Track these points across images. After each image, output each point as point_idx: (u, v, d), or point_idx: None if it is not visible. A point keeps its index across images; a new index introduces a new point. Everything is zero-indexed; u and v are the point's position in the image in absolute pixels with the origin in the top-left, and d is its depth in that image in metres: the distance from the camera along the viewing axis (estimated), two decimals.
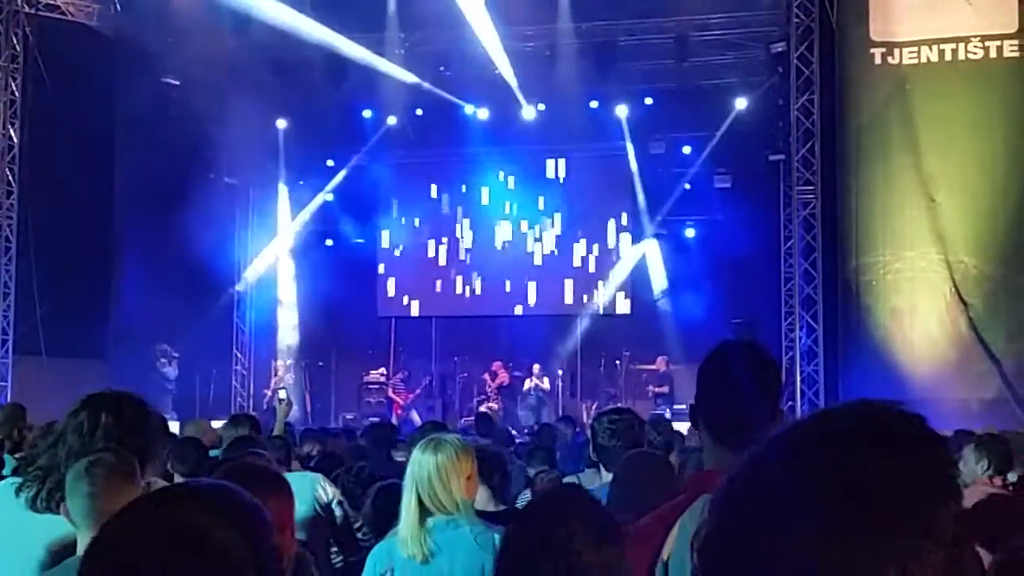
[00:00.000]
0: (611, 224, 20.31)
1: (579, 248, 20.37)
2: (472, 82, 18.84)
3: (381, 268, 20.96)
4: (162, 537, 1.28)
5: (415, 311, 20.74)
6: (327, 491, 5.52)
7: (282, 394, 14.75)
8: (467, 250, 20.71)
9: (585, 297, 20.11)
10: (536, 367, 18.49)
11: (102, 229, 16.89)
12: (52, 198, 15.36)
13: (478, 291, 20.44)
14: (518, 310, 20.19)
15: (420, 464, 3.68)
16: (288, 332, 20.09)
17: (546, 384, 18.43)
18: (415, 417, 17.74)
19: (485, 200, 20.66)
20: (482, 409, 17.64)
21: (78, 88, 15.76)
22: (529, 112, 19.23)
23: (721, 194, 18.55)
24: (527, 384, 18.46)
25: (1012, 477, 5.58)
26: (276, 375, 19.37)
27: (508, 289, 20.34)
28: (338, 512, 5.52)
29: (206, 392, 18.10)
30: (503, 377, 18.69)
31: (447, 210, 20.82)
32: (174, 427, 10.38)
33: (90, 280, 16.04)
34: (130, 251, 16.88)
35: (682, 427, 9.80)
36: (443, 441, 3.80)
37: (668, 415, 15.30)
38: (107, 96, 16.75)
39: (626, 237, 20.17)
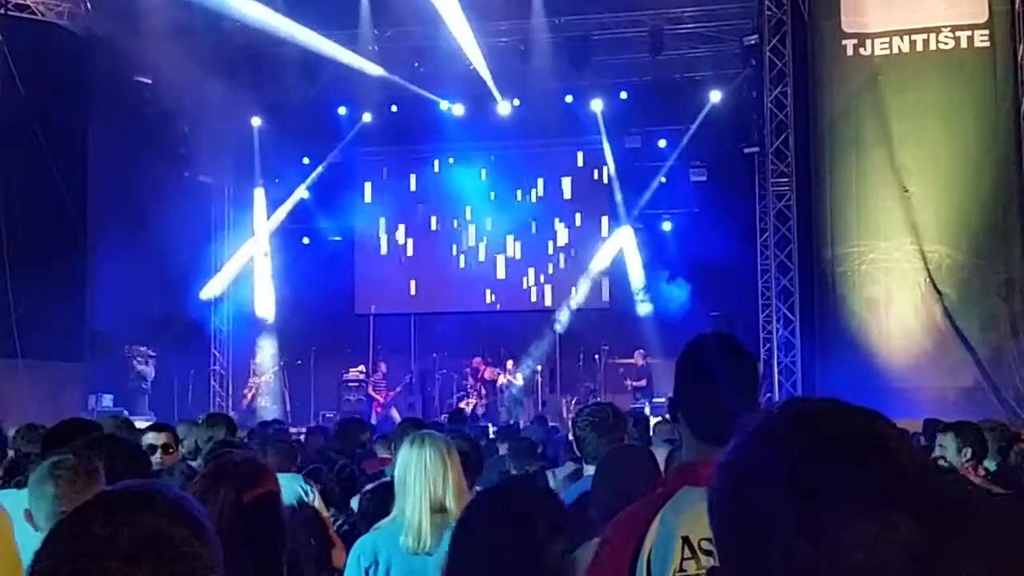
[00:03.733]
0: (588, 218, 20.34)
1: (556, 243, 20.40)
2: (447, 78, 18.81)
3: (358, 265, 20.91)
4: (124, 543, 1.28)
5: (393, 308, 20.70)
6: (307, 490, 5.51)
7: None
8: (443, 246, 20.69)
9: (563, 292, 20.12)
10: (509, 363, 18.45)
11: (76, 229, 16.76)
12: (25, 199, 15.23)
13: (456, 287, 20.41)
14: (496, 306, 20.19)
15: (427, 459, 3.71)
16: (266, 331, 20.00)
17: (519, 380, 18.37)
18: (395, 414, 17.72)
19: (461, 195, 20.64)
20: (463, 405, 17.66)
21: (50, 88, 15.63)
22: (504, 107, 19.23)
23: (697, 187, 18.62)
24: (500, 380, 18.41)
25: (990, 465, 5.65)
26: (253, 374, 19.30)
27: (486, 285, 20.34)
28: (317, 511, 5.51)
29: (184, 392, 18.01)
30: (490, 372, 18.61)
31: (423, 206, 20.79)
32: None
33: (65, 282, 15.91)
34: (105, 252, 16.75)
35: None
36: (436, 437, 3.84)
37: (647, 409, 15.40)
38: (79, 95, 16.62)
39: (603, 231, 20.21)
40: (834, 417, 1.10)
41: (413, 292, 20.67)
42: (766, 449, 1.09)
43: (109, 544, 1.28)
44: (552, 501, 2.38)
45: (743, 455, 1.11)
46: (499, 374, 18.41)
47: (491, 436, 10.09)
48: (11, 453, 6.10)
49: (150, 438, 5.50)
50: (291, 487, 5.35)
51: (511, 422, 14.88)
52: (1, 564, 2.59)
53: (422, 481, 3.68)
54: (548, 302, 20.11)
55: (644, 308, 18.86)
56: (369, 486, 4.87)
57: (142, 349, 17.00)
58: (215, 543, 1.36)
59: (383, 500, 4.35)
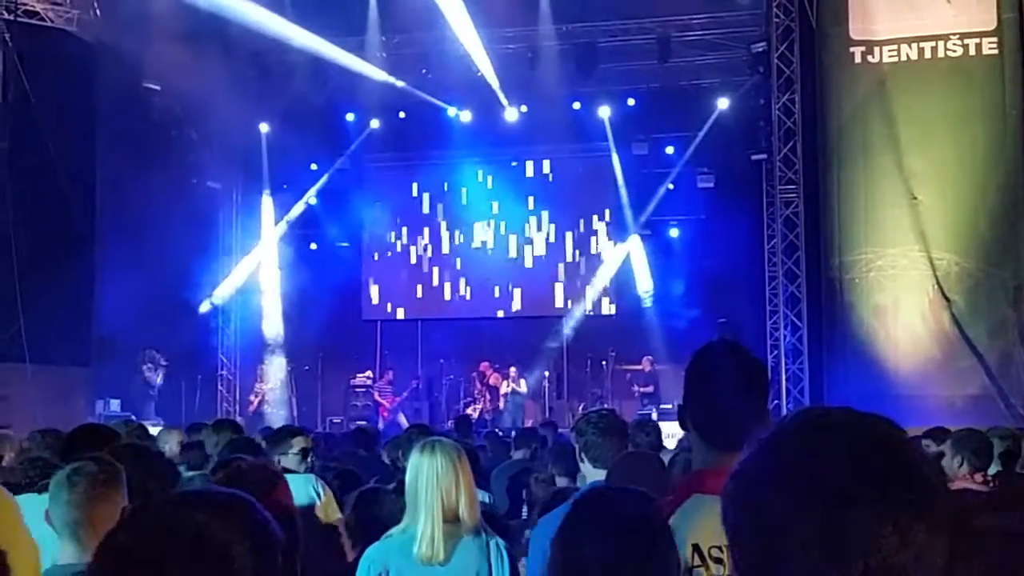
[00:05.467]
0: (595, 225, 20.35)
1: (563, 250, 20.39)
2: (454, 84, 18.84)
3: (366, 271, 20.93)
4: (176, 541, 1.29)
5: (400, 314, 20.72)
6: (324, 493, 5.50)
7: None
8: (451, 252, 20.71)
9: (570, 298, 20.12)
10: (512, 370, 18.35)
11: (84, 234, 16.80)
12: (33, 204, 15.27)
13: (463, 293, 20.44)
14: (503, 312, 20.19)
15: (439, 467, 3.66)
16: (273, 336, 20.02)
17: (523, 387, 18.28)
18: (402, 420, 17.72)
19: (469, 202, 20.66)
20: (470, 411, 17.65)
21: (59, 94, 15.68)
22: (512, 114, 19.25)
23: (704, 194, 18.60)
24: (504, 387, 18.35)
25: (992, 472, 5.59)
26: (260, 380, 19.31)
27: (493, 291, 20.34)
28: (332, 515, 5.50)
29: (191, 397, 18.03)
30: (495, 378, 18.57)
31: (430, 212, 20.81)
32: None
33: (73, 286, 15.96)
34: (113, 256, 16.80)
35: (667, 427, 9.79)
36: (446, 444, 3.80)
37: (655, 415, 15.37)
38: (88, 101, 16.67)
39: (610, 238, 20.21)
40: (850, 425, 1.11)
41: (420, 298, 20.68)
42: (782, 459, 1.09)
43: (139, 549, 1.29)
44: (658, 513, 2.25)
45: (759, 465, 1.11)
46: (503, 380, 18.38)
47: (502, 438, 10.10)
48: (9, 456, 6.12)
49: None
50: (304, 488, 5.35)
51: (514, 428, 14.83)
52: (17, 550, 2.61)
53: (434, 490, 3.62)
54: (555, 308, 20.10)
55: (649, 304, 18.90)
56: (357, 491, 4.84)
57: (154, 355, 17.00)
58: (267, 553, 1.35)
59: (373, 506, 4.33)
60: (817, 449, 1.08)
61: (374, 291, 20.89)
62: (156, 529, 1.31)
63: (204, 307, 18.99)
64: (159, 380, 17.13)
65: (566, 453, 6.68)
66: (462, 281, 20.50)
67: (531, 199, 20.41)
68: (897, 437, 1.11)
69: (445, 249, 20.76)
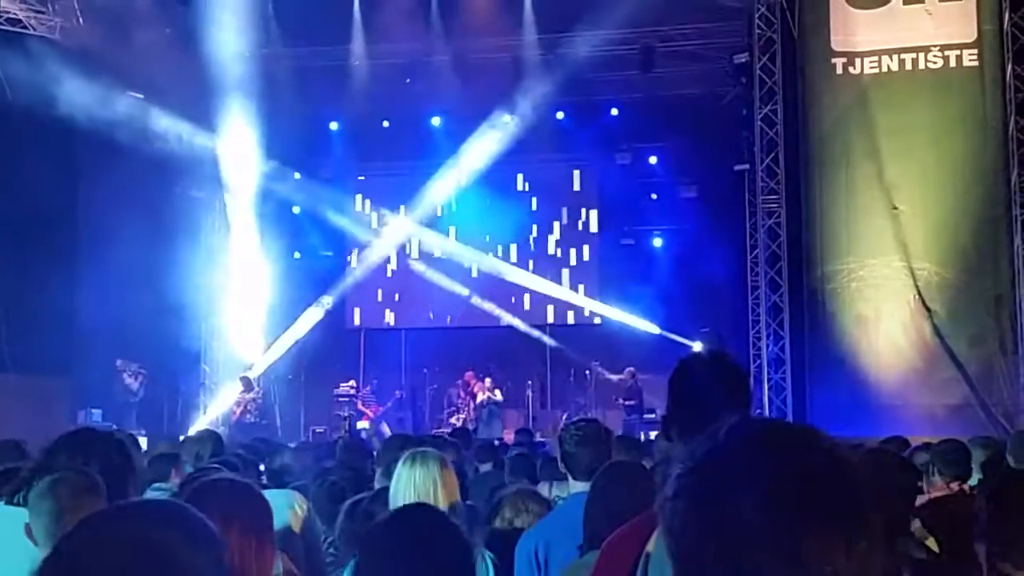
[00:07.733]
0: (578, 234, 20.37)
1: (546, 259, 20.40)
2: (438, 93, 18.84)
3: (349, 280, 20.88)
4: (121, 552, 1.29)
5: (384, 323, 20.68)
6: (302, 508, 5.45)
7: None
8: (436, 262, 20.68)
9: (553, 307, 20.13)
10: (488, 380, 18.30)
11: (66, 244, 16.73)
12: (14, 212, 15.19)
13: (446, 302, 20.39)
14: (488, 322, 20.17)
15: (416, 478, 3.67)
16: (256, 345, 19.93)
17: (498, 396, 18.30)
18: (385, 430, 17.64)
19: (452, 211, 20.65)
20: (453, 420, 17.63)
21: (41, 102, 15.60)
22: (496, 123, 19.25)
23: (687, 204, 18.67)
24: (479, 396, 18.33)
25: (973, 482, 5.56)
26: (243, 390, 19.20)
27: (477, 300, 20.31)
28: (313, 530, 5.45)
29: (174, 406, 17.94)
30: (478, 387, 18.54)
31: (415, 222, 20.78)
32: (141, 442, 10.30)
33: (54, 295, 15.86)
34: (95, 266, 16.70)
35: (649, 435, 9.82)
36: (428, 455, 3.81)
37: (637, 422, 15.45)
38: (70, 110, 16.59)
39: (594, 248, 20.23)
40: (784, 440, 1.11)
41: (404, 307, 20.64)
42: (726, 479, 1.09)
43: (108, 553, 1.29)
44: (454, 531, 2.39)
45: (702, 483, 1.11)
46: (480, 390, 18.37)
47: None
48: None
49: None
50: (283, 503, 5.30)
51: (494, 439, 14.79)
52: None
53: (410, 501, 3.63)
54: (538, 317, 20.10)
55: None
56: (349, 501, 4.82)
57: (134, 366, 16.91)
58: (214, 556, 1.36)
59: (365, 516, 4.32)
60: (762, 467, 1.07)
61: (357, 300, 20.83)
62: (98, 540, 1.31)
63: (188, 313, 18.89)
64: (139, 388, 17.02)
65: (526, 464, 6.69)
66: (446, 290, 20.46)
67: (515, 209, 20.40)
68: (841, 451, 1.11)
69: (428, 258, 20.73)
